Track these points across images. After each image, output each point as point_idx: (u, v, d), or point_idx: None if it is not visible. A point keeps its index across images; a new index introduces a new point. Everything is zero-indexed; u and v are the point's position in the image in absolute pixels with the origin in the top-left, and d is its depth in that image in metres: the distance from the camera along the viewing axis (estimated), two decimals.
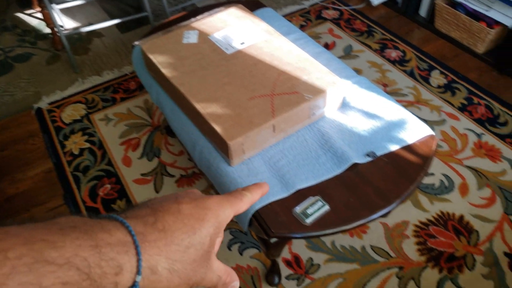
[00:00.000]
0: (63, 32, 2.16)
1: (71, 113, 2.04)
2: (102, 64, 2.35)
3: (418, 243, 1.49)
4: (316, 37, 2.38)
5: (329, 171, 1.10)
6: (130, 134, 1.92)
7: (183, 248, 0.33)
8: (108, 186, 1.72)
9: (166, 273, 0.32)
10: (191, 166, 1.76)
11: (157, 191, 1.68)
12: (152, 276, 0.31)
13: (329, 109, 1.23)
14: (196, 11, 1.65)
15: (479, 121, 1.87)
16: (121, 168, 1.78)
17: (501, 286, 1.37)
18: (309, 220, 1.01)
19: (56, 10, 2.46)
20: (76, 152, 1.86)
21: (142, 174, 1.75)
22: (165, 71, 1.26)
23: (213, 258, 0.37)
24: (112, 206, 1.64)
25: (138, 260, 0.30)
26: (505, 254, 1.44)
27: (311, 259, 1.46)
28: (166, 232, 0.32)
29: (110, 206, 1.64)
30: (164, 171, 1.75)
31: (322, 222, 1.01)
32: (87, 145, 1.89)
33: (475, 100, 1.97)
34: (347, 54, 2.25)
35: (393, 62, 2.20)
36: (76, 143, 1.90)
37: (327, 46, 2.31)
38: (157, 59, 1.30)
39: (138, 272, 0.30)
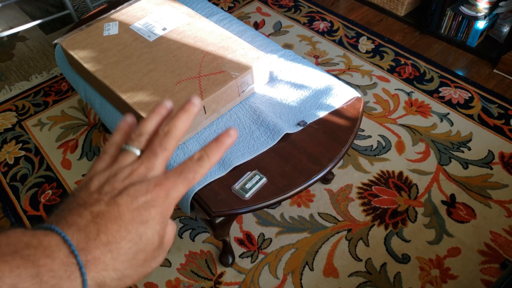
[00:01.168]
0: None
1: (0, 122, 1.95)
2: (29, 68, 2.25)
3: (363, 204, 1.55)
4: (245, 17, 2.38)
5: (263, 144, 1.12)
6: (67, 136, 1.86)
7: (132, 256, 0.31)
8: (50, 191, 1.66)
9: (116, 282, 0.31)
10: None
11: None
12: None
13: (258, 85, 1.25)
14: (117, 3, 1.60)
15: (408, 80, 1.96)
16: (61, 171, 1.73)
17: (442, 232, 1.46)
18: (248, 195, 1.02)
19: None
20: (11, 161, 1.78)
21: (84, 175, 1.70)
22: (88, 65, 1.22)
23: (165, 243, 0.35)
24: None
25: (83, 281, 0.29)
26: (443, 202, 1.53)
27: (262, 234, 1.49)
28: (111, 245, 0.30)
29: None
30: None
31: (261, 194, 1.03)
32: (23, 153, 1.81)
33: (402, 61, 2.05)
34: (277, 31, 2.27)
35: (322, 33, 2.24)
36: (10, 152, 1.82)
37: (256, 25, 2.32)
38: (79, 55, 1.26)
39: None
